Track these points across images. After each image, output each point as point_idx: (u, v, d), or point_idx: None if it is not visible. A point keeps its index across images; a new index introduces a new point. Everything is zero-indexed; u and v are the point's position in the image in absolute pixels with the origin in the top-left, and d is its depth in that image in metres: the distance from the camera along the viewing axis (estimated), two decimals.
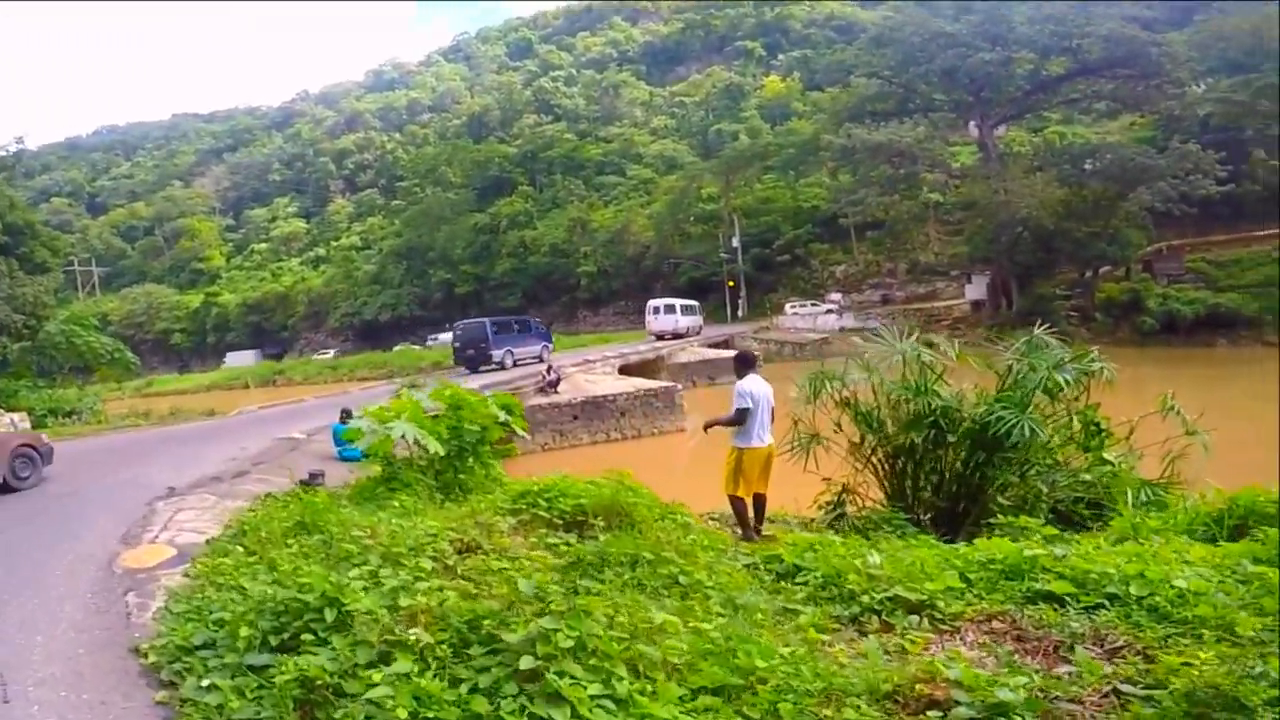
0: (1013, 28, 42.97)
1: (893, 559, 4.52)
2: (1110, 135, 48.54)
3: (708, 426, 6.89)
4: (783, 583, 4.51)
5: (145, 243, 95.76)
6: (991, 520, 6.59)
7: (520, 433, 6.98)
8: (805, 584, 4.36)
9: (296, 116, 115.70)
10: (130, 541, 6.24)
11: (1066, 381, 6.51)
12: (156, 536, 6.42)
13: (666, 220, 62.96)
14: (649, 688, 2.61)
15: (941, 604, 4.06)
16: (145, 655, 3.68)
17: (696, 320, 47.17)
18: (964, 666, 3.04)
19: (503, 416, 6.68)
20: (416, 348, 63.83)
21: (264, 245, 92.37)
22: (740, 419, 6.62)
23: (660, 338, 42.66)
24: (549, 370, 23.29)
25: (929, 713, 2.80)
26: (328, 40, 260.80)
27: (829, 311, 50.13)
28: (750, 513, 6.94)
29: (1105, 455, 7.12)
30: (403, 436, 5.87)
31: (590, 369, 28.37)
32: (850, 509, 7.14)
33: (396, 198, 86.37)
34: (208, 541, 5.99)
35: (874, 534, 6.20)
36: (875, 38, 47.95)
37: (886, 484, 7.28)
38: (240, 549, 5.07)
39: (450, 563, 4.26)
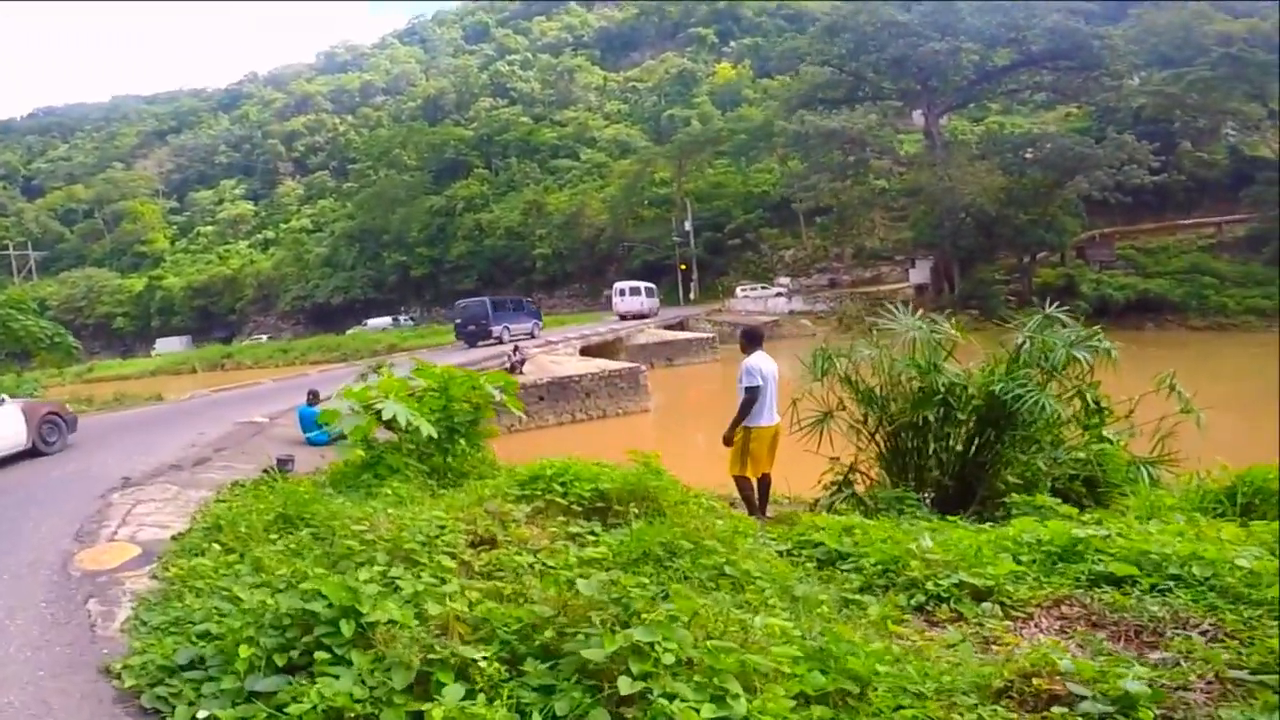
0: (961, 18, 43.45)
1: (942, 543, 4.16)
2: (1047, 126, 49.67)
3: (729, 438, 6.34)
4: (826, 570, 4.11)
5: (84, 226, 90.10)
6: (1002, 499, 6.37)
7: (516, 412, 6.40)
8: (857, 571, 3.97)
9: (244, 98, 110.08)
10: (85, 539, 5.47)
11: (1084, 359, 6.28)
12: (115, 533, 5.65)
13: (621, 204, 62.27)
14: (765, 703, 2.15)
15: (1010, 589, 3.73)
16: (119, 677, 3.03)
17: (655, 303, 47.25)
18: (1071, 657, 2.69)
19: (497, 395, 6.09)
20: (371, 330, 61.92)
21: (210, 228, 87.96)
22: (751, 397, 6.20)
23: (624, 318, 42.88)
24: (514, 351, 22.61)
25: (1053, 709, 2.43)
26: (277, 22, 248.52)
27: (778, 295, 50.41)
28: (754, 493, 6.57)
29: (1104, 433, 6.91)
30: (392, 418, 5.23)
31: (553, 350, 27.78)
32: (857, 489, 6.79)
33: (349, 180, 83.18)
34: (174, 537, 5.28)
35: (884, 514, 5.86)
36: (829, 26, 47.89)
37: (889, 463, 6.97)
38: (217, 546, 4.39)
39: (467, 559, 3.72)
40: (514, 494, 4.67)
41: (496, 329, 29.40)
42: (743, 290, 52.08)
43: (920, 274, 47.57)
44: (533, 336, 31.16)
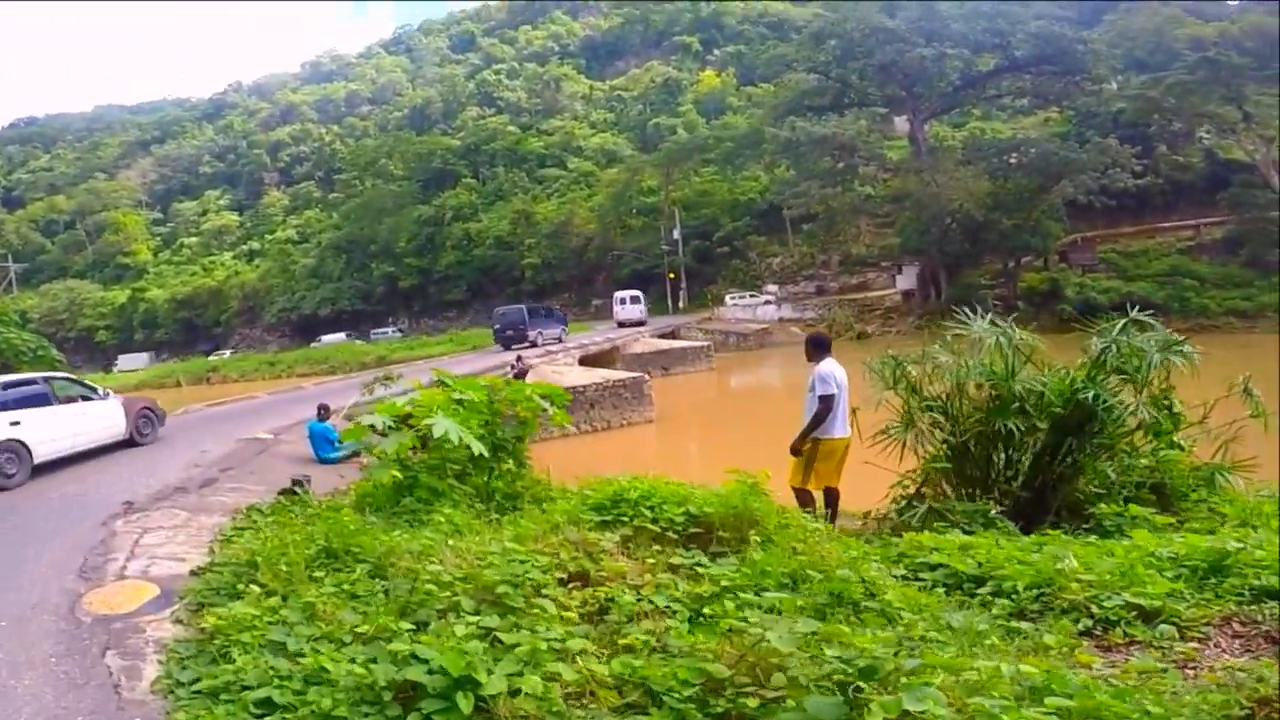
0: (947, 24, 43.43)
1: (1084, 561, 3.66)
2: (1027, 131, 49.87)
3: (798, 448, 5.83)
4: (956, 594, 3.59)
5: (66, 237, 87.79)
6: (1079, 510, 5.90)
7: (565, 426, 5.81)
8: (1001, 595, 3.45)
9: (228, 108, 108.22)
10: (92, 576, 4.79)
11: (1179, 365, 5.83)
12: (124, 567, 4.99)
13: (609, 213, 61.73)
14: None
15: (1176, 609, 3.25)
16: None
17: (646, 311, 46.87)
18: None
19: (548, 409, 5.49)
20: (359, 342, 60.77)
21: (194, 239, 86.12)
22: (827, 407, 5.69)
23: (623, 325, 42.61)
24: (517, 360, 21.94)
25: None
26: (261, 32, 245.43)
27: (767, 302, 50.06)
28: (820, 508, 6.05)
29: (1176, 440, 6.46)
30: (441, 436, 4.60)
31: (553, 360, 27.15)
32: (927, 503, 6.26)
33: (335, 190, 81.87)
34: (195, 573, 4.64)
35: (963, 529, 5.34)
36: (816, 32, 47.73)
37: (956, 475, 6.46)
38: (255, 588, 3.74)
39: (559, 598, 3.13)
40: (591, 520, 4.07)
41: (532, 333, 32.03)
42: (732, 298, 51.67)
43: (907, 280, 47.36)
44: (560, 341, 33.06)
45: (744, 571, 3.23)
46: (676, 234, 55.97)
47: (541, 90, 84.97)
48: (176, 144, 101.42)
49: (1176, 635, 3.14)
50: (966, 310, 6.49)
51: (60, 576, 4.77)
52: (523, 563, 3.36)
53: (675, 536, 3.84)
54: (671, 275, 56.11)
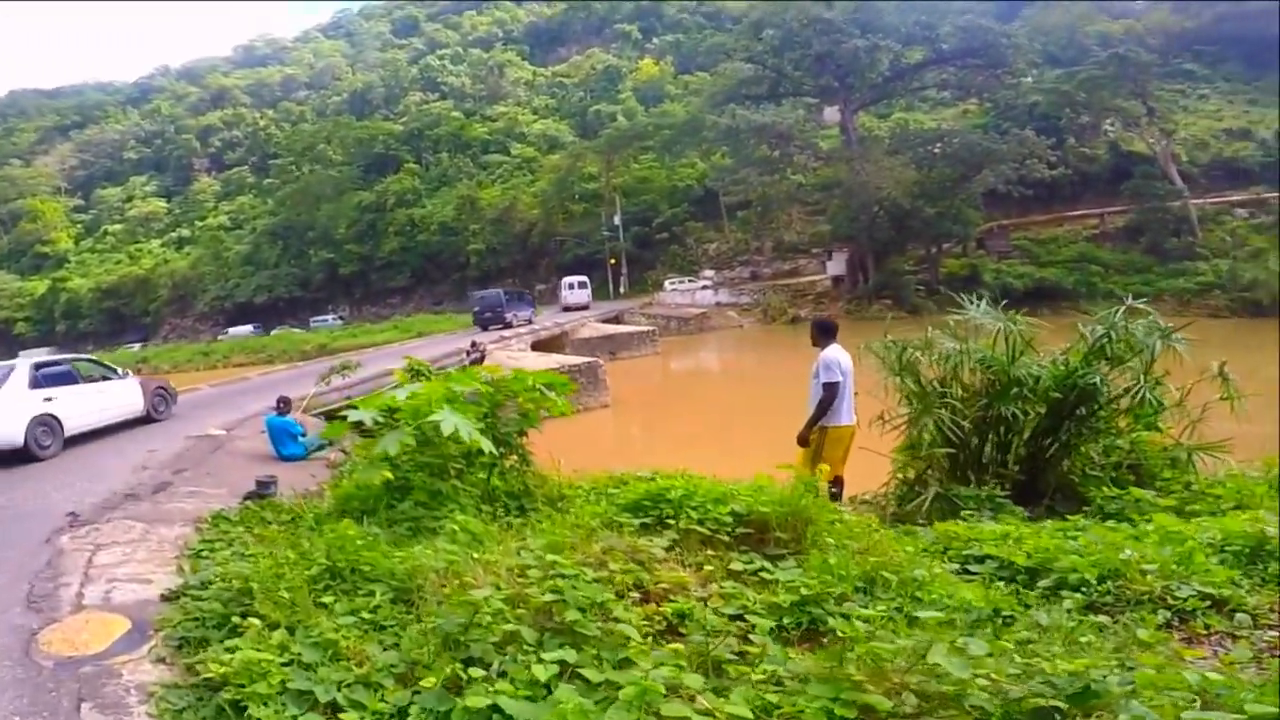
0: (880, 15, 43.90)
1: (1139, 550, 3.46)
2: (946, 122, 51.12)
3: (805, 438, 5.56)
4: (1010, 587, 3.33)
5: None
6: (1069, 492, 5.81)
7: (566, 415, 5.31)
8: (1065, 588, 3.21)
9: (155, 92, 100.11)
10: (44, 607, 4.03)
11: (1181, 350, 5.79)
12: (81, 594, 4.23)
13: (552, 198, 60.48)
14: None
15: (1243, 598, 3.09)
16: None
17: (590, 297, 46.36)
18: None
19: (552, 398, 4.95)
20: (298, 331, 57.88)
21: (119, 226, 79.82)
22: (832, 394, 5.42)
23: (569, 310, 42.49)
24: (472, 347, 21.02)
25: None
26: (190, 15, 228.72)
27: (704, 287, 50.09)
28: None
29: (1154, 422, 6.46)
30: (452, 430, 4.02)
31: (506, 345, 26.35)
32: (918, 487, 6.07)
33: (270, 176, 77.30)
34: (166, 597, 3.96)
35: (973, 515, 5.16)
36: (756, 22, 47.53)
37: (949, 459, 6.29)
38: (254, 620, 3.14)
39: (624, 616, 2.70)
40: (630, 524, 3.63)
41: (509, 315, 33.57)
42: (671, 283, 51.45)
43: (837, 266, 47.99)
44: (530, 322, 34.45)
45: (821, 577, 2.87)
46: (617, 220, 55.34)
47: (485, 76, 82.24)
48: (99, 129, 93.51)
49: (1252, 624, 2.97)
50: (963, 298, 6.31)
51: (5, 609, 4.00)
52: (571, 577, 2.90)
53: (727, 539, 3.42)
54: (613, 260, 55.48)
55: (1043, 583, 3.31)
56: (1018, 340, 5.85)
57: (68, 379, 10.45)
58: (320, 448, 9.15)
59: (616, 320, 41.50)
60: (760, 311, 46.84)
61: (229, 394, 16.83)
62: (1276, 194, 42.34)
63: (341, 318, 62.04)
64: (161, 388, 12.53)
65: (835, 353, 5.63)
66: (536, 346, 28.89)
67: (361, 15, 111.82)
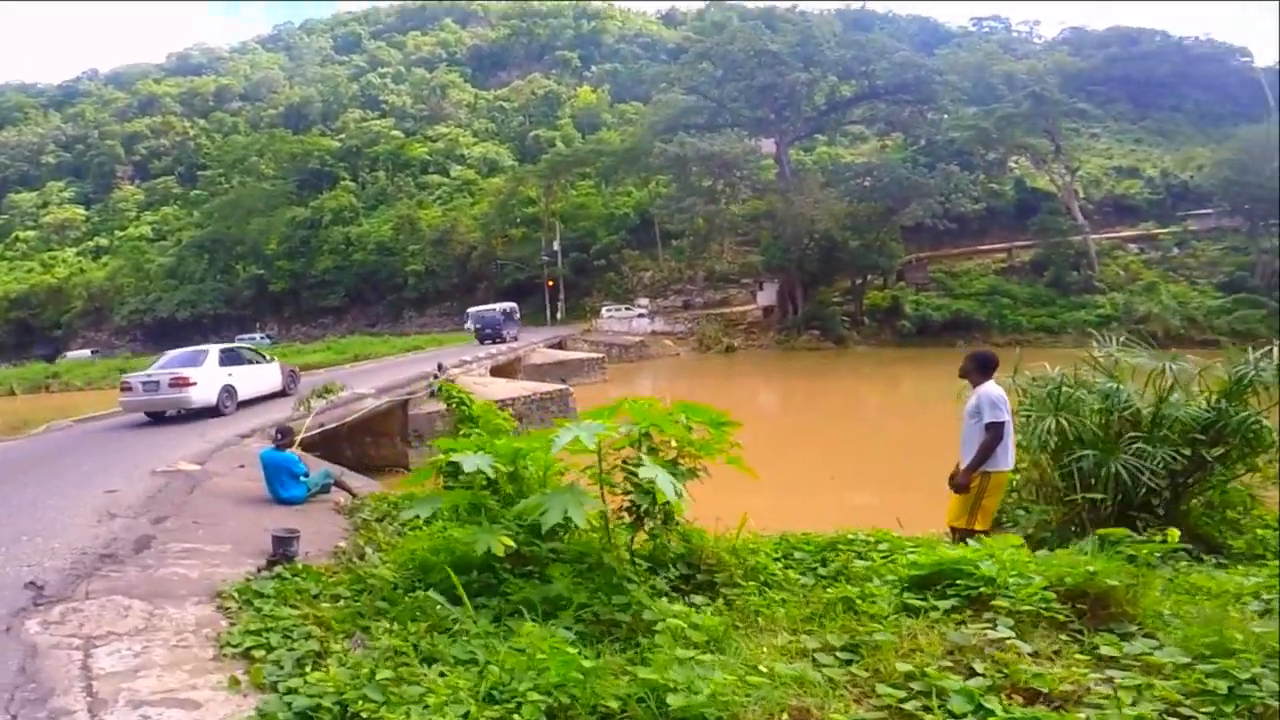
0: (822, 49, 43.74)
1: None
2: (865, 156, 51.41)
3: (965, 484, 4.78)
4: None
5: None
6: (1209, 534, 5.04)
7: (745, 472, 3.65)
8: None
9: (81, 96, 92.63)
10: None
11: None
12: None
13: (494, 221, 58.19)
14: None
15: None
16: None
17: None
18: None
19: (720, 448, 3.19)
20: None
21: (31, 233, 73.33)
22: (999, 435, 4.69)
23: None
24: (439, 370, 18.53)
25: None
26: (123, 21, 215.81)
27: (640, 315, 48.72)
28: None
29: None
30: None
31: (468, 370, 23.97)
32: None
33: (198, 187, 72.32)
34: None
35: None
36: (702, 52, 46.81)
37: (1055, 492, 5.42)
38: None
39: None
40: (935, 608, 2.91)
41: (505, 332, 35.41)
42: (608, 310, 49.81)
43: (768, 296, 47.23)
44: (516, 338, 36.04)
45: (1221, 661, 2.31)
46: (556, 245, 53.49)
47: (427, 96, 79.31)
48: (17, 131, 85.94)
49: None
50: (1097, 335, 6.03)
51: None
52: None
53: (1061, 617, 2.75)
54: (550, 283, 53.59)
55: None
56: (1170, 378, 5.33)
57: (239, 360, 13.79)
58: (324, 489, 7.46)
59: (560, 346, 39.60)
60: (695, 340, 45.75)
61: (177, 418, 13.89)
62: (1164, 230, 44.08)
63: (269, 336, 57.76)
64: (292, 371, 15.61)
65: (999, 390, 4.90)
66: (495, 372, 26.71)
67: (303, 29, 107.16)
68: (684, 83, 47.69)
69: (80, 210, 74.90)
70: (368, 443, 14.63)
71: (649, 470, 3.06)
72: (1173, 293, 38.18)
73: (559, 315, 52.89)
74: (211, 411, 12.24)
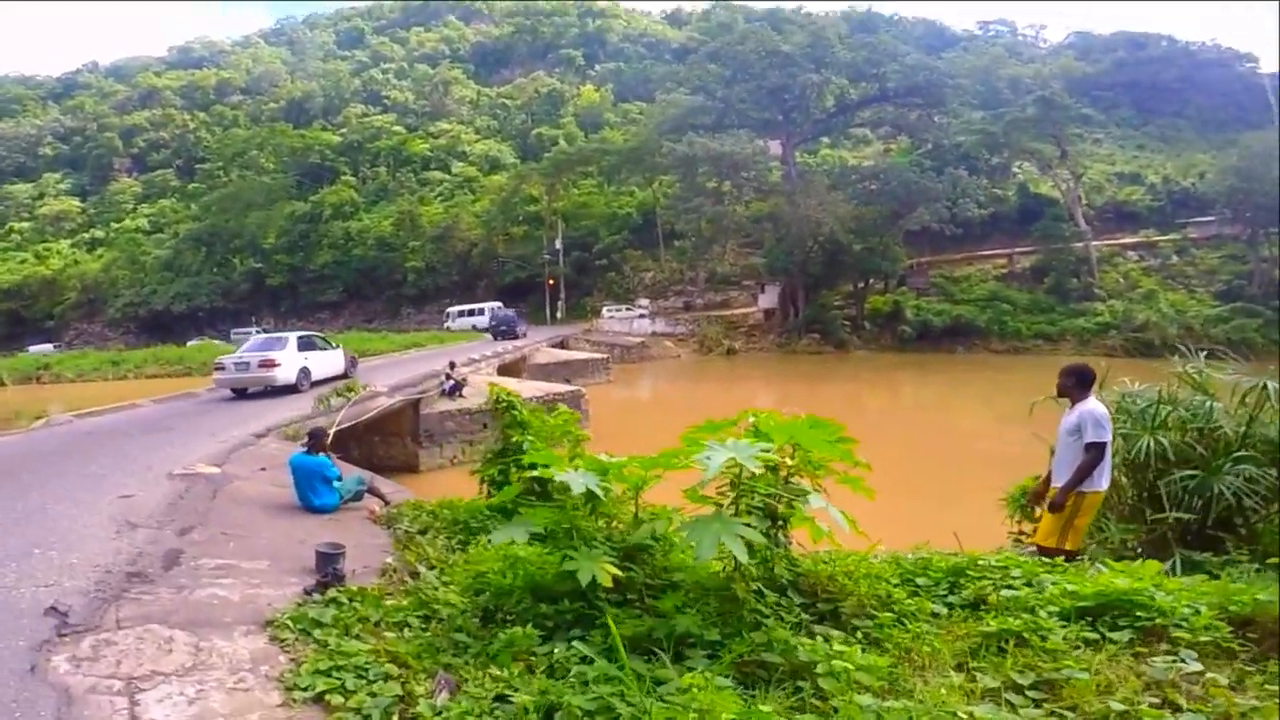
0: (833, 51, 43.08)
1: None
2: (867, 160, 50.81)
3: (1061, 504, 4.43)
4: None
5: None
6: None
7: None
8: None
9: (80, 88, 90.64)
10: None
11: None
12: None
13: (496, 219, 57.28)
14: None
15: None
16: None
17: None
18: None
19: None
20: (219, 342, 52.42)
21: (26, 224, 71.81)
22: (1099, 455, 4.40)
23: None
24: (451, 368, 17.66)
25: None
26: (126, 14, 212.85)
27: (641, 316, 47.97)
28: None
29: None
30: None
31: (478, 369, 23.21)
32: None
33: (196, 180, 71.11)
34: None
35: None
36: (711, 52, 46.10)
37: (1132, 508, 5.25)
38: None
39: None
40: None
41: (518, 330, 36.81)
42: (609, 310, 48.94)
43: (769, 299, 46.45)
44: (525, 336, 36.78)
45: None
46: (558, 244, 52.71)
47: (430, 92, 78.30)
48: (15, 122, 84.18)
49: None
50: (1183, 349, 5.81)
51: None
52: None
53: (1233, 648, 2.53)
54: (551, 282, 52.81)
55: None
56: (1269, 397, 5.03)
57: (312, 346, 15.62)
58: (357, 496, 6.90)
59: (563, 345, 38.86)
60: (697, 343, 45.07)
61: (185, 413, 12.87)
62: (1164, 237, 43.64)
63: (265, 330, 56.69)
64: (352, 357, 17.51)
65: (1101, 407, 4.60)
66: (502, 371, 25.93)
67: (306, 24, 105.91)
68: (691, 82, 46.92)
69: (76, 202, 73.43)
70: (376, 442, 13.89)
71: (818, 500, 2.49)
72: (1171, 301, 37.85)
73: (559, 315, 52.12)
74: (291, 389, 13.82)
